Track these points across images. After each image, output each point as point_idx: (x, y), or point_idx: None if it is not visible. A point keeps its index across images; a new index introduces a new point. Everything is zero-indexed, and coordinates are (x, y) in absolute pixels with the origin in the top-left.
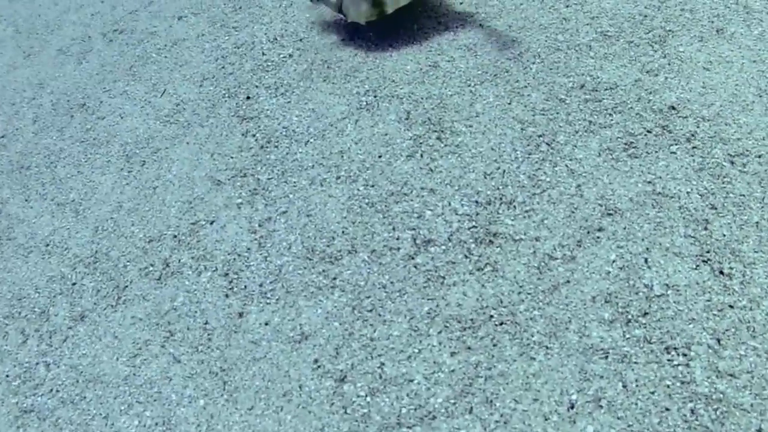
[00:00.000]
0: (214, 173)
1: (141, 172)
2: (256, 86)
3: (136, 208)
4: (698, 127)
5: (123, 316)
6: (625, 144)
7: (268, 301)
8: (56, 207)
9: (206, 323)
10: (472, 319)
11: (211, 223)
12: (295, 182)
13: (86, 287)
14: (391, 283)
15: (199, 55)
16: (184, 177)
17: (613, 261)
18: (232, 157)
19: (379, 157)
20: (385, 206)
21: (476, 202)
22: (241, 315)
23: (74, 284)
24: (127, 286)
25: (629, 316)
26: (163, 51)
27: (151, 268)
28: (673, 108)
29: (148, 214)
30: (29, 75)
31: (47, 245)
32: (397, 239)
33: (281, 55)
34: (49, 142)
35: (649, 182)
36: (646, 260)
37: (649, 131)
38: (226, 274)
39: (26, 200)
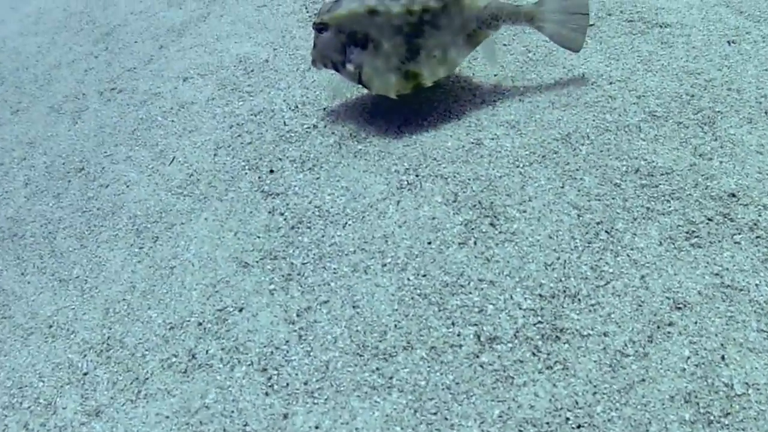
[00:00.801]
0: (240, 254)
1: (154, 249)
2: (280, 159)
3: (152, 290)
4: (760, 215)
5: (146, 413)
6: (687, 233)
7: (315, 401)
8: (58, 283)
9: (246, 425)
10: (547, 422)
11: (241, 310)
12: (335, 269)
13: (100, 378)
14: (456, 383)
15: (210, 121)
16: (205, 257)
17: (688, 358)
18: (258, 237)
19: (429, 243)
20: (441, 298)
21: (540, 295)
22: (285, 416)
23: (85, 374)
24: (147, 379)
25: (711, 417)
26: (169, 114)
27: (174, 359)
28: (733, 195)
29: (166, 297)
30: (18, 133)
31: (50, 327)
32: (458, 335)
33: (305, 126)
34: (44, 209)
35: (716, 274)
36: (722, 357)
37: (710, 219)
38: (264, 370)
39: (22, 274)
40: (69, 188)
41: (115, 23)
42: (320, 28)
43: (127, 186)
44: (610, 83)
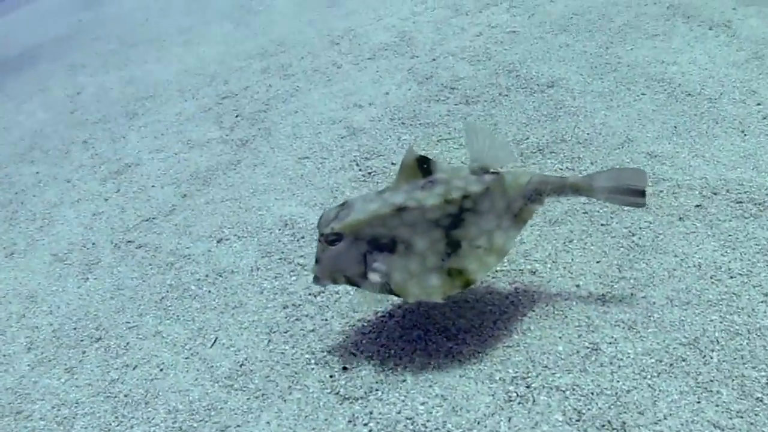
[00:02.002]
0: None
1: None
2: (353, 354)
3: None
4: None
5: None
6: None
7: None
8: None
9: None
10: None
11: None
12: None
13: None
14: None
15: (258, 297)
16: None
17: None
18: None
19: None
20: None
21: None
22: None
23: None
24: None
25: None
26: (205, 283)
27: None
28: None
29: None
30: (15, 282)
31: None
32: None
33: (378, 314)
34: (54, 385)
35: None
36: None
37: None
38: None
39: None
40: (84, 362)
41: (127, 161)
42: (333, 239)
43: (161, 369)
44: (731, 277)
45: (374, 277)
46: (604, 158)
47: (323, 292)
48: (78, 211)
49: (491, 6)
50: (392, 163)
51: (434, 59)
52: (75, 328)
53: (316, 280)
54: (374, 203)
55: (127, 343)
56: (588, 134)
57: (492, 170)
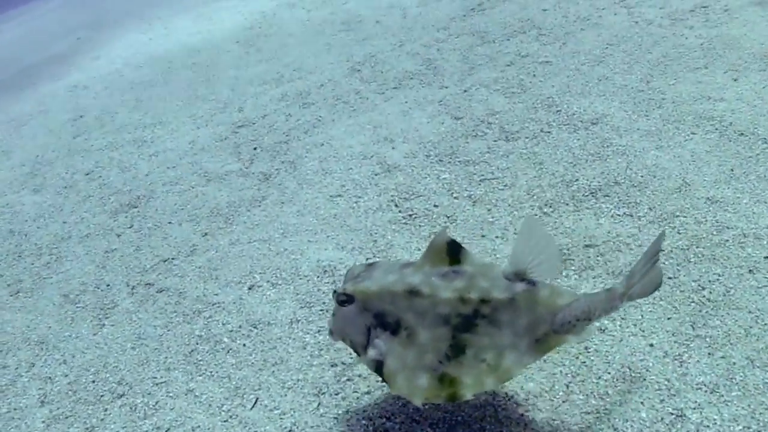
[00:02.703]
0: None
1: None
2: (416, 421)
3: None
4: None
5: None
6: None
7: None
8: None
9: None
10: None
11: None
12: None
13: None
14: None
15: (300, 353)
16: None
17: None
18: None
19: None
20: None
21: None
22: None
23: None
24: None
25: None
26: (238, 336)
27: None
28: None
29: None
30: (22, 325)
31: None
32: None
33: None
34: None
35: None
36: None
37: None
38: None
39: None
40: (107, 420)
41: (139, 193)
42: (342, 300)
43: None
44: None
45: (372, 353)
46: (662, 203)
47: None
48: (88, 247)
49: (519, 34)
50: (435, 206)
51: (465, 90)
52: (93, 381)
53: (330, 334)
54: (392, 275)
55: (156, 402)
56: (642, 176)
57: (528, 279)
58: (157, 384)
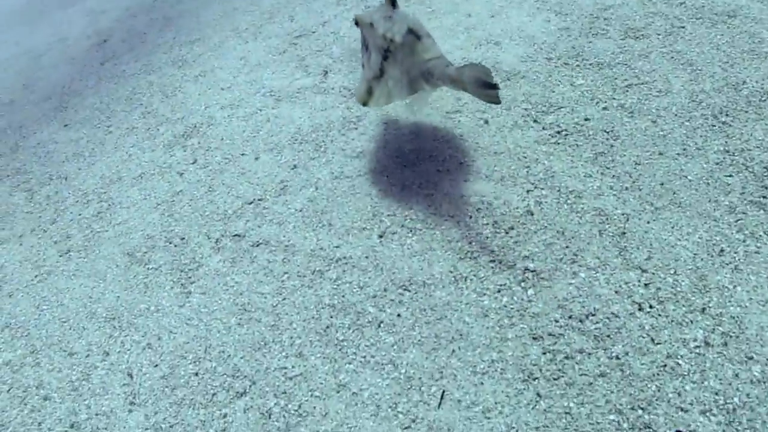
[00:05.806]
0: None
1: None
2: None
3: None
4: None
5: None
6: None
7: None
8: None
9: None
10: None
11: None
12: None
13: None
14: None
15: (482, 323)
16: None
17: None
18: None
19: None
20: None
21: None
22: None
23: None
24: None
25: None
26: (388, 303)
27: None
28: None
29: None
30: (82, 294)
31: None
32: None
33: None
34: None
35: None
36: None
37: None
38: None
39: None
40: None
41: (195, 120)
42: (355, 22)
43: None
44: None
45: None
46: None
47: (593, 315)
48: (145, 190)
49: None
50: (585, 119)
51: None
52: (196, 374)
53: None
54: (377, 14)
55: (299, 406)
56: None
57: (417, 34)
58: (290, 378)
